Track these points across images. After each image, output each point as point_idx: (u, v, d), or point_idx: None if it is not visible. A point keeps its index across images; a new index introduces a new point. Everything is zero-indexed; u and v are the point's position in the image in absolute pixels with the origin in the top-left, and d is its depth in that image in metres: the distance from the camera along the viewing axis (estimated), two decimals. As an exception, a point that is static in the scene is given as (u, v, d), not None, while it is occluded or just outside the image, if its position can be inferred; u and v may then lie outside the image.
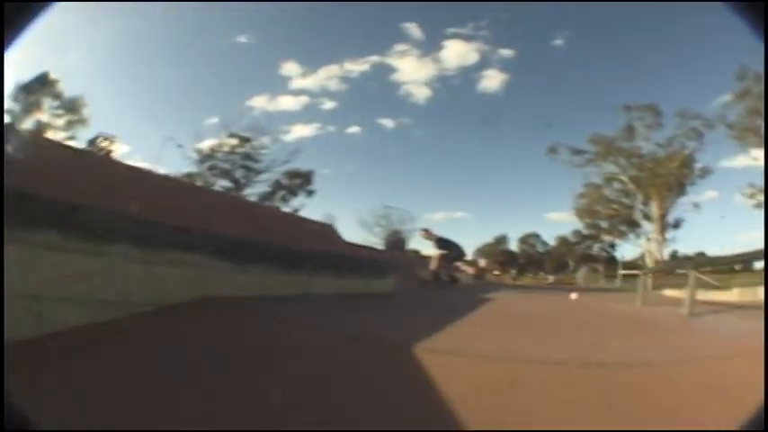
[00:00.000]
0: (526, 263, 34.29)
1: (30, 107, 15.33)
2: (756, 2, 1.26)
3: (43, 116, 16.01)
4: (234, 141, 19.91)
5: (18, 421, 1.05)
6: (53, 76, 15.00)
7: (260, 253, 3.24)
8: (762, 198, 20.11)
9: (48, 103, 15.50)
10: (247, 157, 19.92)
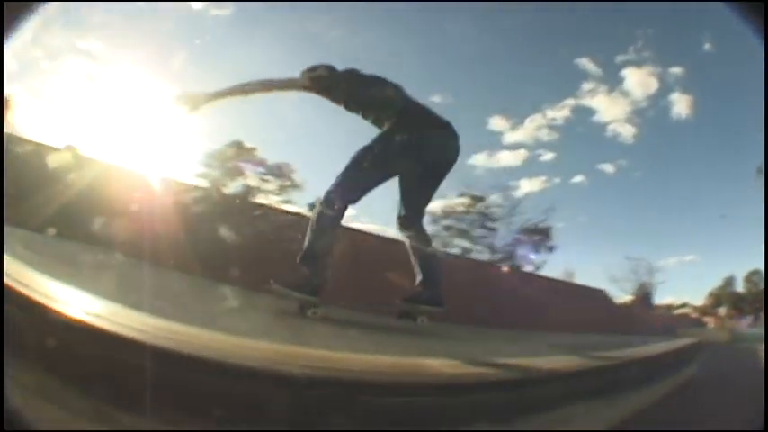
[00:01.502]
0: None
1: (231, 173, 15.77)
2: (756, 2, 1.26)
3: (251, 181, 16.46)
4: (466, 201, 19.72)
5: (17, 421, 1.05)
6: (248, 144, 15.47)
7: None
8: None
9: (249, 168, 15.86)
10: (484, 216, 19.80)
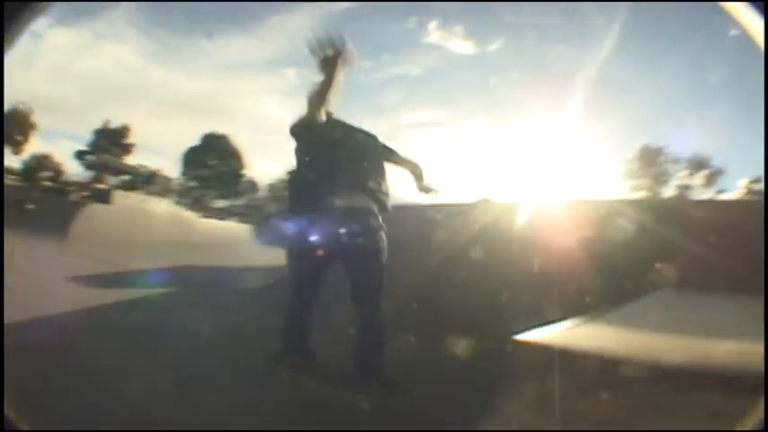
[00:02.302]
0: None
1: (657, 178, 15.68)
2: (756, 2, 1.26)
3: (679, 181, 16.24)
4: None
5: (17, 421, 1.05)
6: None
7: None
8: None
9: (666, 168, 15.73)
10: None
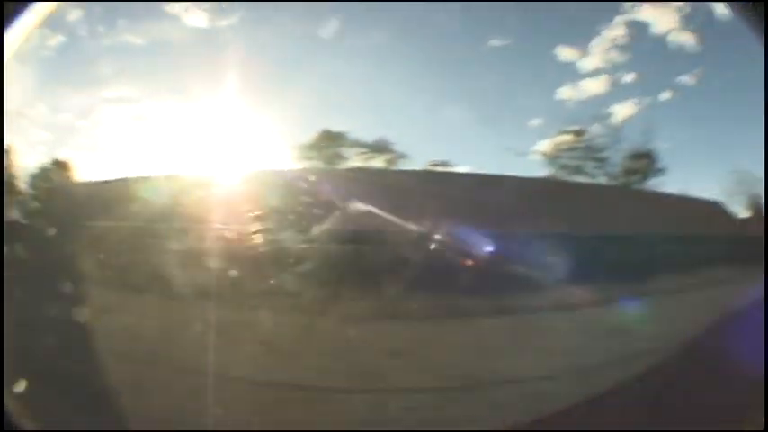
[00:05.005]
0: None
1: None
2: (756, 2, 1.26)
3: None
4: (569, 137, 19.53)
5: (18, 421, 1.05)
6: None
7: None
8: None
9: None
10: (591, 149, 19.73)
